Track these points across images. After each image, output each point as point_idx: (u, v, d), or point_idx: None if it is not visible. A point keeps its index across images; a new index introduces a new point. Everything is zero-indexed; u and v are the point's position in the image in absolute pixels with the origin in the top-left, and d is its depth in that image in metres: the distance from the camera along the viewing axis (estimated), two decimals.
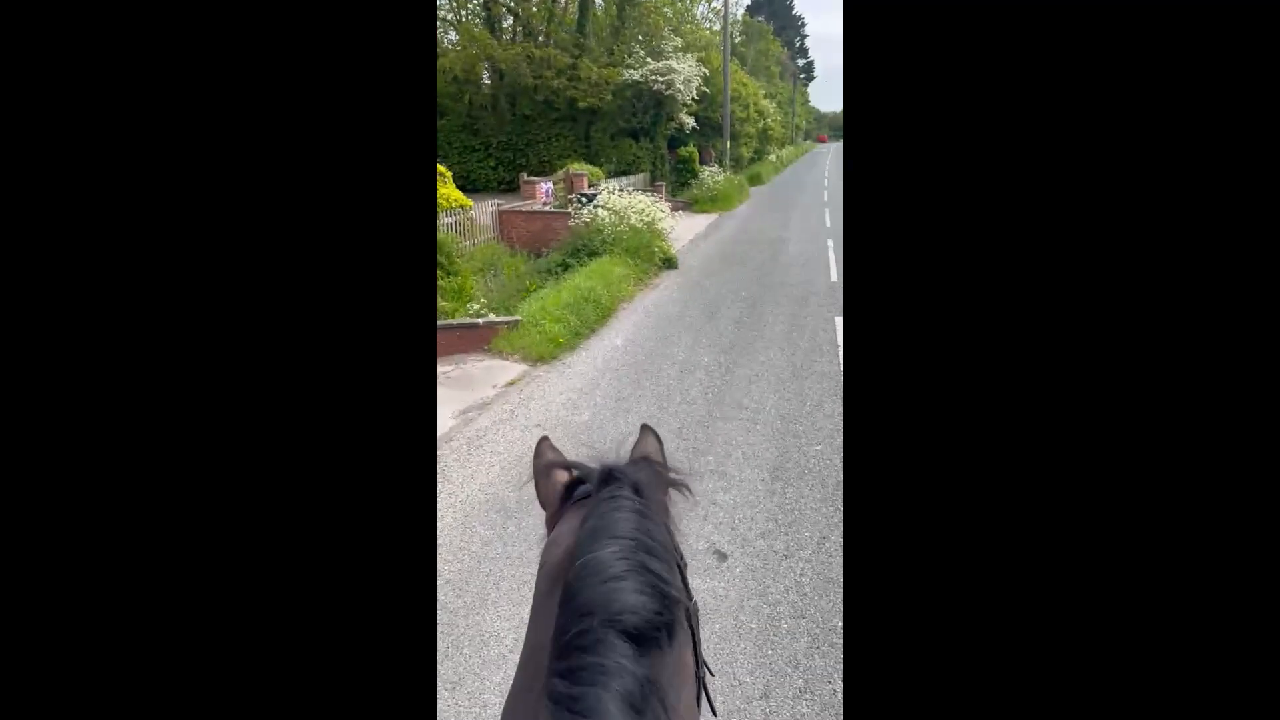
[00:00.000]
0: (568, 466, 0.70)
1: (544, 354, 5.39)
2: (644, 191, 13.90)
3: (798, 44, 65.80)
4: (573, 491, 0.67)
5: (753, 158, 25.56)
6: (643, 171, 16.98)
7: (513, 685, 0.56)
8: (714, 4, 24.51)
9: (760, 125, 25.79)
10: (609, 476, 0.61)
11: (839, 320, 6.22)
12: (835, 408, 4.31)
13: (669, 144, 18.31)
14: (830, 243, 10.19)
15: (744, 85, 23.63)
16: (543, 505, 0.74)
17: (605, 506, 0.57)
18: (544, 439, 0.80)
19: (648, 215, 9.37)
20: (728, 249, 9.83)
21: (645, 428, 0.80)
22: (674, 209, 15.22)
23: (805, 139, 66.86)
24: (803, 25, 67.11)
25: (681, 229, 11.47)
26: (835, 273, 8.06)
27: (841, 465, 3.48)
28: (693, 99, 17.85)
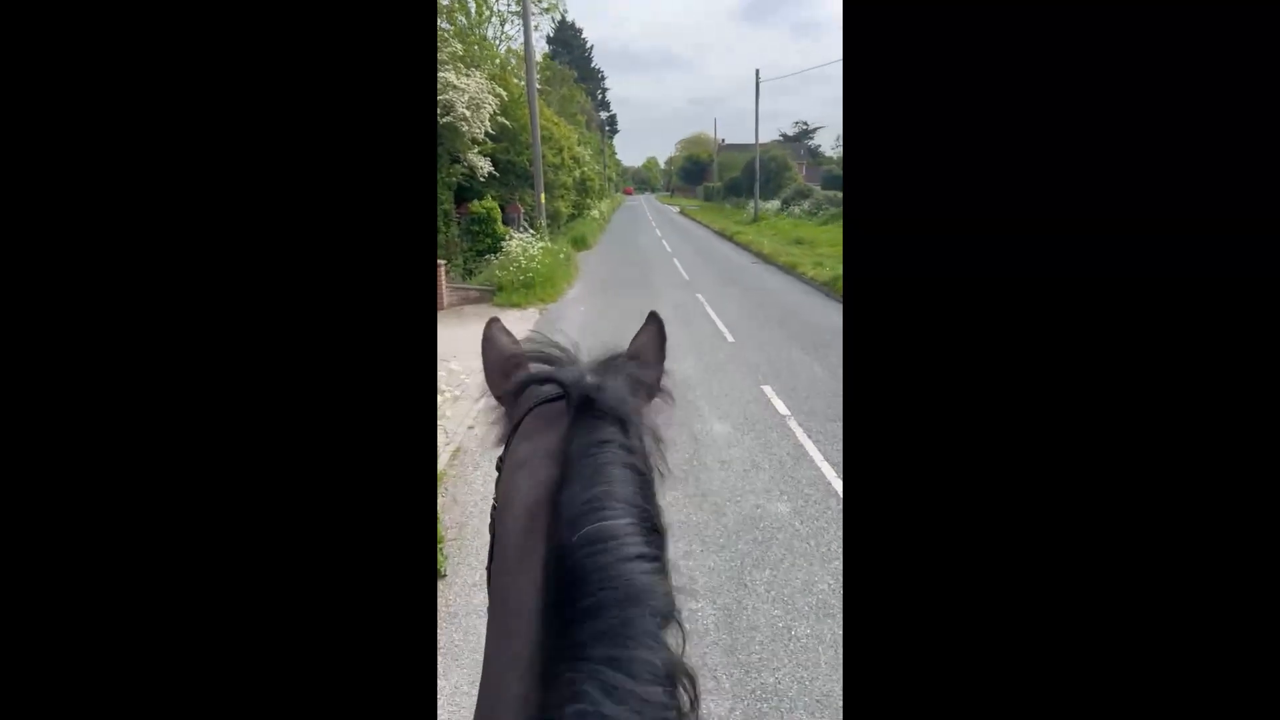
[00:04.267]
0: (526, 359, 0.65)
1: None
2: None
3: (599, 96, 64.06)
4: (527, 387, 0.61)
5: (573, 213, 20.55)
6: None
7: (490, 662, 0.52)
8: (507, 28, 19.54)
9: (577, 174, 21.01)
10: (591, 403, 0.55)
11: None
12: None
13: (456, 196, 12.55)
14: (776, 397, 5.12)
15: (555, 125, 18.72)
16: (495, 395, 0.68)
17: (598, 456, 0.51)
18: (494, 321, 0.73)
19: None
20: None
21: (653, 316, 0.75)
22: (462, 303, 9.37)
23: (615, 191, 64.84)
24: (603, 79, 65.77)
25: (467, 368, 5.71)
26: None
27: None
28: (486, 133, 12.42)
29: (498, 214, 12.11)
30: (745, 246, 17.39)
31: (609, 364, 0.64)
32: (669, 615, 0.46)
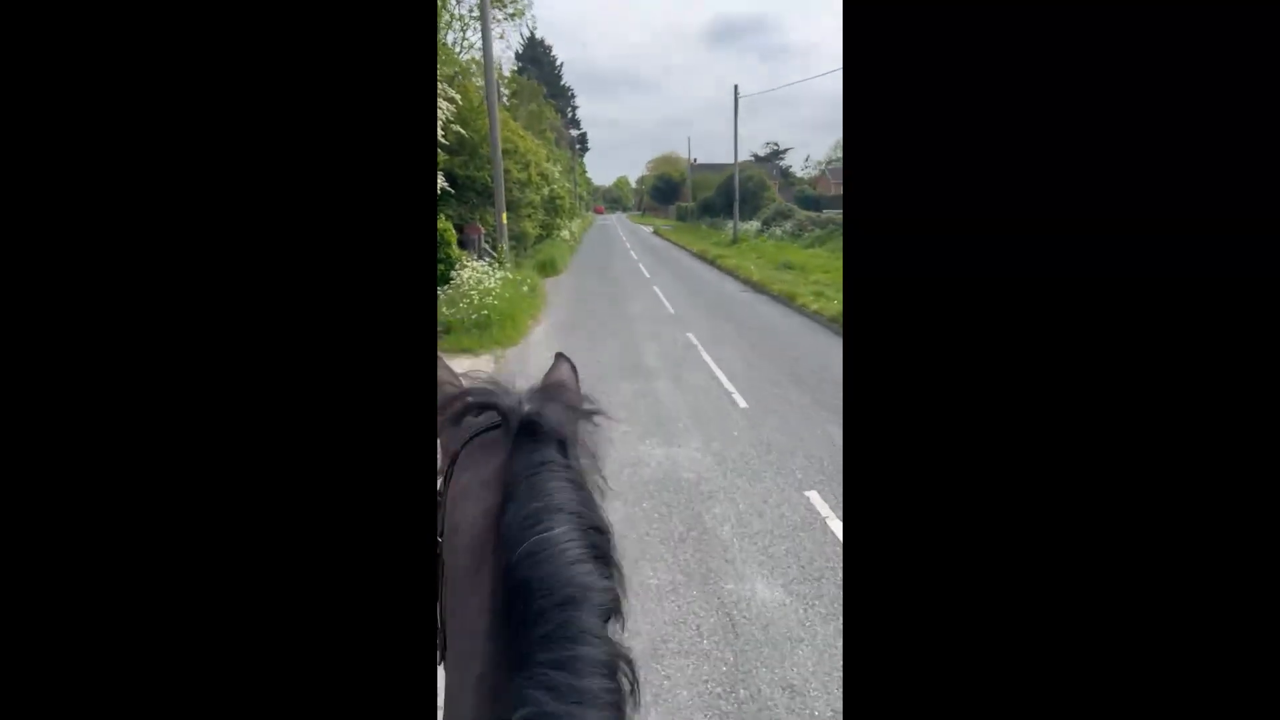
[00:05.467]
0: (466, 395, 0.63)
1: None
2: None
3: (570, 114, 62.77)
4: (464, 415, 0.61)
5: (541, 235, 18.84)
6: None
7: (447, 682, 0.52)
8: (470, 35, 17.88)
9: (546, 192, 19.32)
10: (531, 426, 0.56)
11: None
12: None
13: None
14: (833, 516, 3.37)
15: (521, 138, 17.02)
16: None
17: (538, 476, 0.53)
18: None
19: None
20: None
21: (560, 356, 0.75)
22: None
23: (586, 210, 63.33)
24: (573, 97, 64.60)
25: None
26: None
27: None
28: (438, 140, 10.73)
29: (452, 236, 10.33)
30: (730, 272, 15.87)
31: (543, 392, 0.63)
32: (608, 608, 0.48)
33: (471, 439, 0.60)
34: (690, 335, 8.34)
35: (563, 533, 0.49)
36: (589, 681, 0.43)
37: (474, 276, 8.81)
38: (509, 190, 14.72)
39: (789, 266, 15.07)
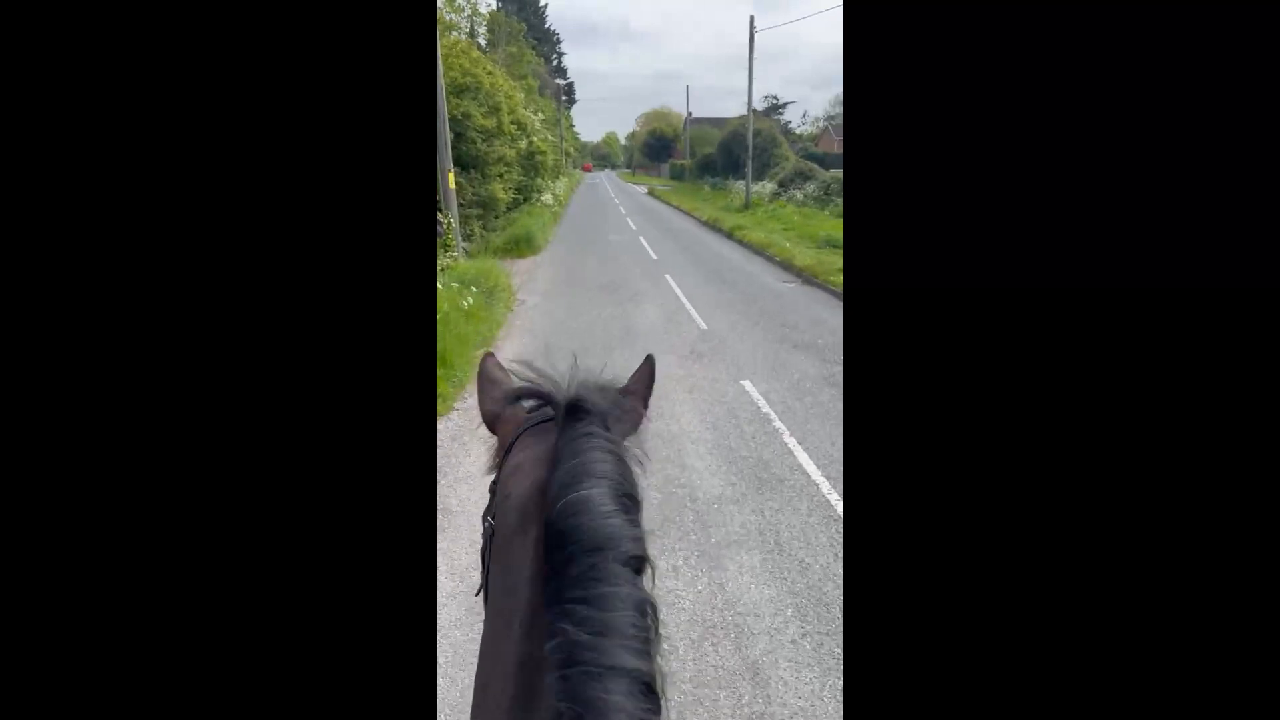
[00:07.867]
0: (521, 390, 0.70)
1: None
2: None
3: (555, 61, 57.52)
4: (517, 400, 0.69)
5: (516, 199, 15.11)
6: None
7: (489, 627, 0.58)
8: None
9: (524, 145, 15.53)
10: (577, 408, 0.61)
11: None
12: None
13: None
14: None
15: (488, 73, 13.18)
16: (487, 423, 0.74)
17: (581, 444, 0.57)
18: (489, 355, 0.79)
19: None
20: None
21: (650, 359, 0.81)
22: None
23: (574, 168, 58.64)
24: (559, 43, 59.23)
25: None
26: None
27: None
28: None
29: None
30: (758, 250, 12.37)
31: (596, 386, 0.66)
32: (637, 556, 0.54)
33: (526, 429, 0.66)
34: (748, 386, 4.96)
35: (596, 492, 0.54)
36: (615, 616, 0.48)
37: None
38: (472, 142, 11.04)
39: (832, 244, 11.62)
